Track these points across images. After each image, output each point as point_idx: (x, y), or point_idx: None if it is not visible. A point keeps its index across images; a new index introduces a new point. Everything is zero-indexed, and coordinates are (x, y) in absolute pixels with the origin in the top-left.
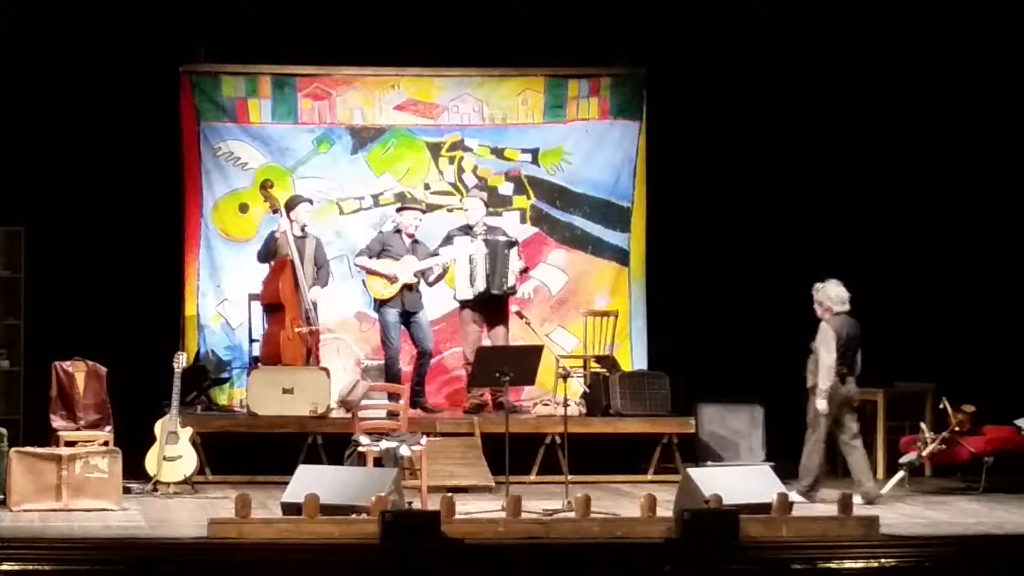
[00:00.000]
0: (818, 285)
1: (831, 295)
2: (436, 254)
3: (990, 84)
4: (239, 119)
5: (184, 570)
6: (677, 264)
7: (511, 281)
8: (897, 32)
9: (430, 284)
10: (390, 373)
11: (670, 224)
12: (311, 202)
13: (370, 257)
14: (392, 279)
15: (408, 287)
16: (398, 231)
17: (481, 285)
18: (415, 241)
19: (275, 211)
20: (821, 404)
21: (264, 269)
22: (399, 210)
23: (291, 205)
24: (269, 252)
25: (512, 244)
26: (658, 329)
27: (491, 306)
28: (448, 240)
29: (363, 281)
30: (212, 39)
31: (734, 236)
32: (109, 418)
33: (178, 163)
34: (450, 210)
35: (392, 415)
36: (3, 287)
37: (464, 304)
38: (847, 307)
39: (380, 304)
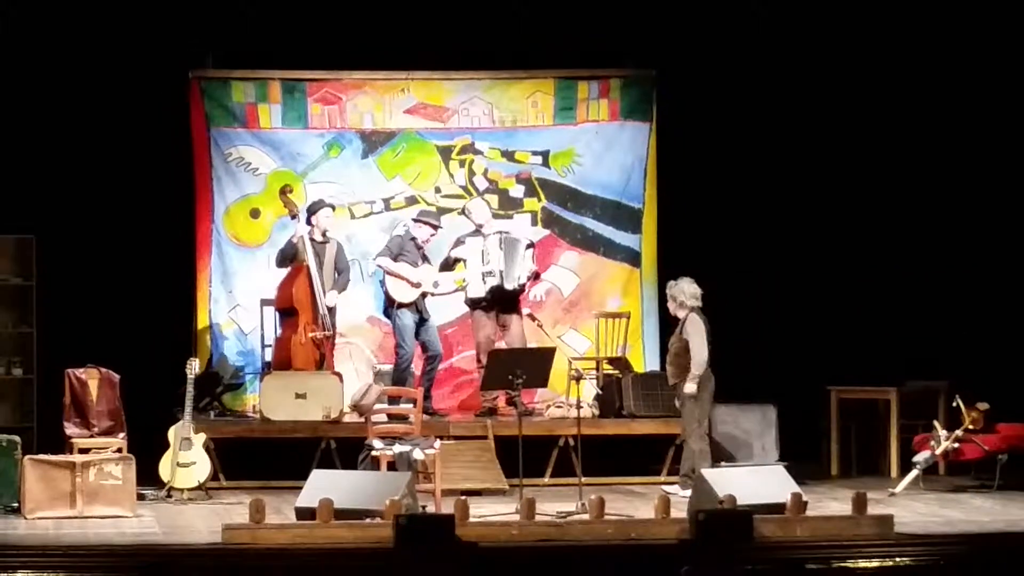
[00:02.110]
0: (673, 283)
1: (687, 291)
2: (449, 260)
3: (999, 82)
4: (249, 124)
5: None
6: (688, 265)
7: (523, 279)
8: (907, 29)
9: (436, 294)
10: (401, 376)
11: (681, 225)
12: (333, 208)
13: (391, 259)
14: (416, 285)
15: (424, 295)
16: (413, 239)
17: (494, 280)
18: (424, 254)
19: (293, 216)
20: (691, 387)
21: (281, 274)
22: (415, 220)
23: (312, 210)
24: (286, 257)
25: (530, 245)
26: (670, 330)
27: (503, 306)
28: (459, 243)
29: (381, 282)
30: (222, 45)
31: (745, 236)
32: (122, 425)
33: (189, 169)
34: (461, 212)
35: (398, 418)
36: (15, 295)
37: (475, 305)
38: (700, 303)
39: (395, 307)
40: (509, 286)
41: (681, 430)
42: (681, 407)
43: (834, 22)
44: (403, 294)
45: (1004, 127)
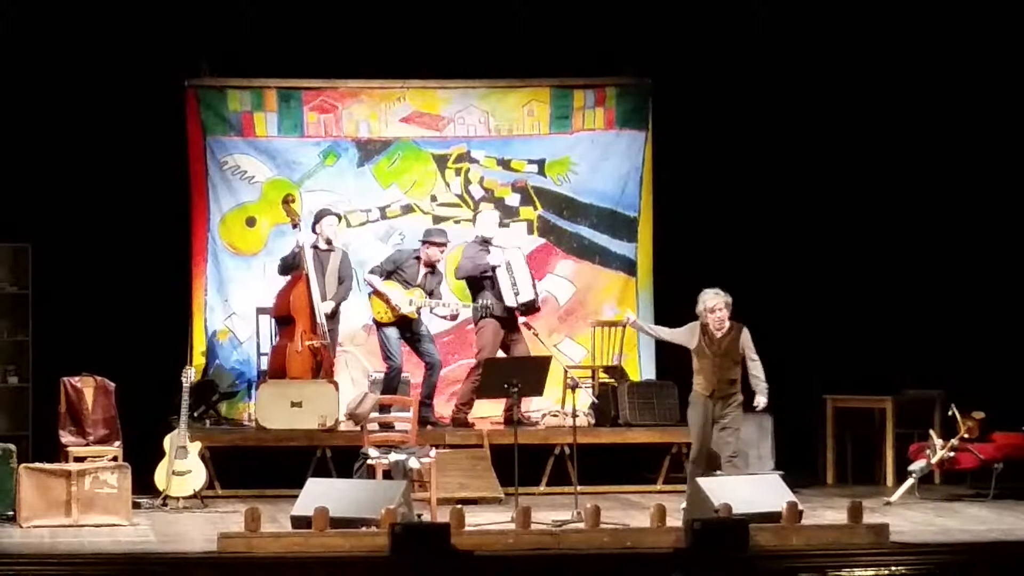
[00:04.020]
0: (722, 293)
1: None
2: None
3: (994, 88)
4: (245, 133)
5: None
6: (684, 274)
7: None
8: (906, 38)
9: (434, 314)
10: (390, 387)
11: (677, 233)
12: (339, 217)
13: (380, 276)
14: (395, 309)
15: (407, 319)
16: (417, 258)
17: (528, 295)
18: (431, 272)
19: (295, 226)
20: (765, 401)
21: (272, 282)
22: (424, 242)
23: (318, 218)
24: (288, 266)
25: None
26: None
27: (514, 320)
28: (470, 254)
29: (368, 295)
30: (218, 53)
31: (741, 245)
32: (118, 433)
33: (185, 177)
34: (457, 222)
35: (390, 427)
36: (11, 303)
37: (488, 314)
38: None
39: (380, 324)
40: (538, 300)
41: (689, 445)
42: (736, 421)
43: (832, 31)
44: (380, 313)
45: (998, 138)
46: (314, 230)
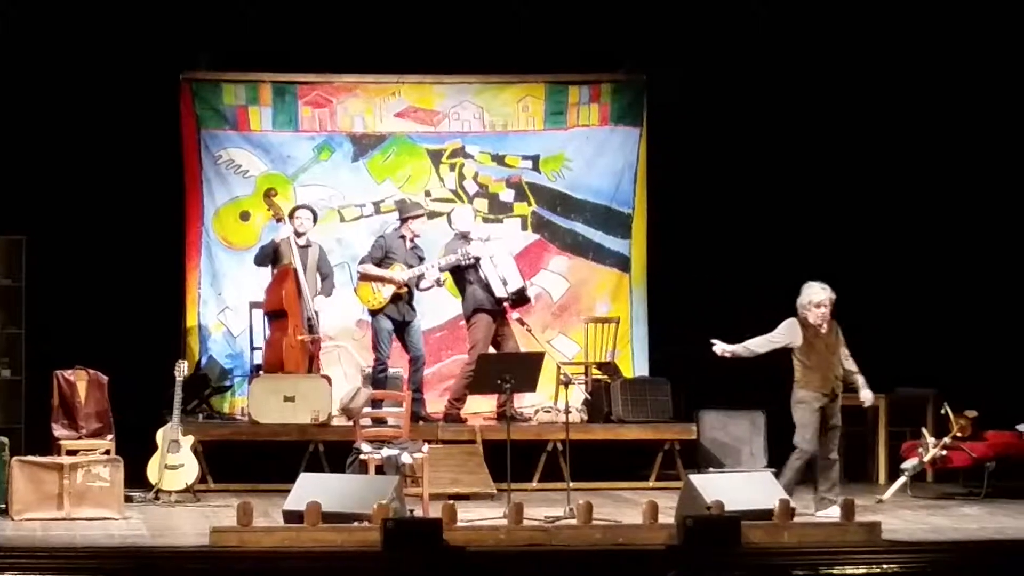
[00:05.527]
0: (828, 288)
1: None
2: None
3: (988, 89)
4: (240, 127)
5: None
6: (678, 270)
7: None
8: (900, 37)
9: (420, 290)
10: (377, 380)
11: (671, 230)
12: (311, 209)
13: (374, 264)
14: (399, 284)
15: (398, 296)
16: (402, 237)
17: (516, 283)
18: (414, 247)
19: (278, 220)
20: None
21: (264, 275)
22: (403, 220)
23: (291, 213)
24: (266, 256)
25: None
26: (659, 335)
27: (504, 314)
28: (453, 249)
29: (354, 290)
30: (213, 47)
31: (735, 242)
32: (111, 427)
33: (179, 171)
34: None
35: (382, 422)
36: (4, 296)
37: (479, 309)
38: None
39: (374, 312)
40: (529, 293)
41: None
42: (839, 418)
43: (827, 29)
44: (369, 300)
45: (994, 136)
46: (293, 225)
